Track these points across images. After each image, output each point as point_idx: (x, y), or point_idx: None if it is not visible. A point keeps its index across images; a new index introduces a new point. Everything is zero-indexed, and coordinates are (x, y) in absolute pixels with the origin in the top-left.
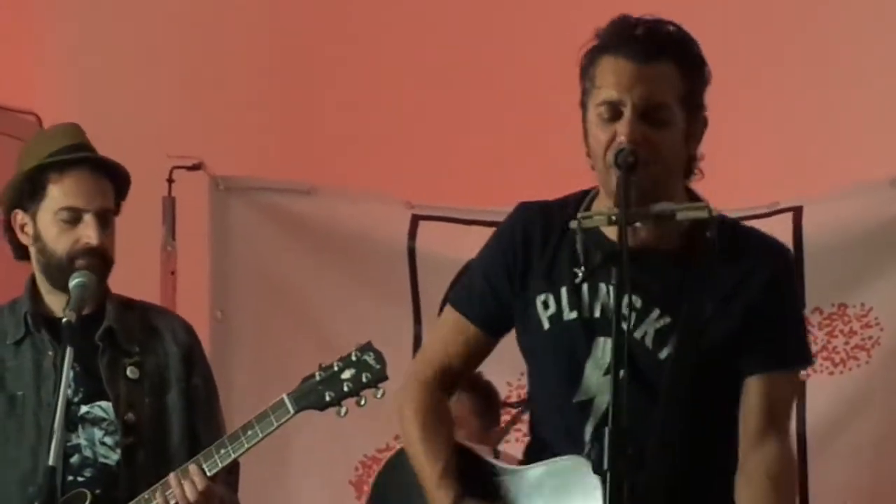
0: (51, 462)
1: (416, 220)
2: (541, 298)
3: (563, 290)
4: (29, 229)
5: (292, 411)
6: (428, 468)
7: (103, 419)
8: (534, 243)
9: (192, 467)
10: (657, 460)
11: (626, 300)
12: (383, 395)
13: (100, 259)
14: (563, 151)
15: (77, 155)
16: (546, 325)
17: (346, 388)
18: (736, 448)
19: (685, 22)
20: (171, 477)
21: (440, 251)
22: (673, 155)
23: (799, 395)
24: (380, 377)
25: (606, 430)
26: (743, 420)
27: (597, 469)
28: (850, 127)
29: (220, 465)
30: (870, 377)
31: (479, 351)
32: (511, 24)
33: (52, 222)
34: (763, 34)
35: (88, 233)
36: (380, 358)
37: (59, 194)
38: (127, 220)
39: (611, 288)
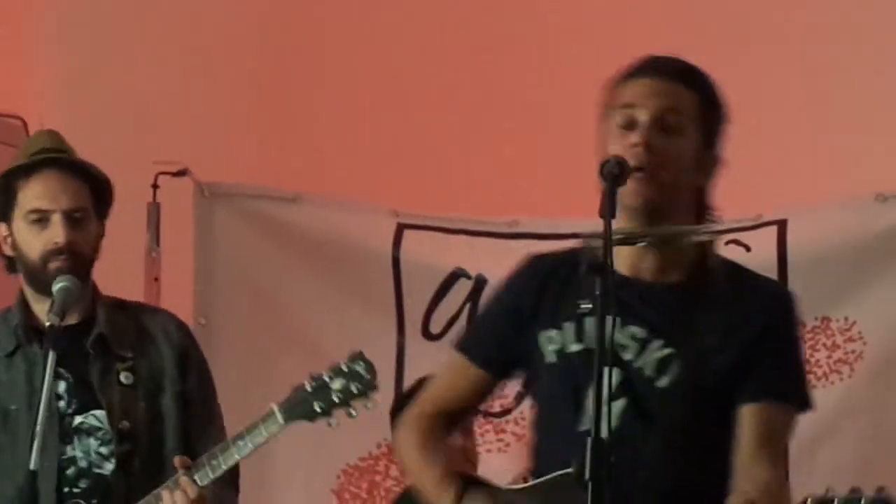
0: (32, 466)
1: (401, 229)
2: (546, 335)
3: (567, 325)
4: (9, 240)
5: (282, 422)
6: (428, 471)
7: (98, 428)
8: (544, 288)
9: (183, 479)
10: (650, 488)
11: (628, 329)
12: (374, 406)
13: (72, 258)
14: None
15: (39, 157)
16: (550, 359)
17: (336, 399)
18: (729, 480)
19: (671, 31)
20: (163, 490)
21: (425, 260)
22: (682, 167)
23: None
24: (370, 387)
25: (588, 439)
26: (736, 450)
27: (579, 479)
28: (836, 141)
29: (210, 477)
30: (853, 391)
31: (480, 393)
32: (498, 34)
33: (24, 228)
34: (747, 48)
35: (56, 232)
36: (370, 368)
37: (26, 198)
38: (111, 225)
39: (618, 319)
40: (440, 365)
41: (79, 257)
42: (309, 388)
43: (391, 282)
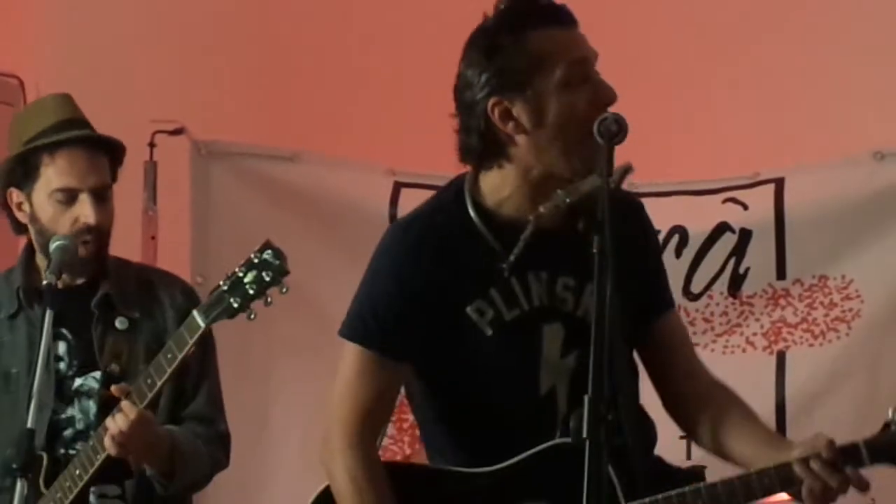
0: (29, 424)
1: (397, 188)
2: (472, 307)
3: (493, 292)
4: (25, 208)
5: (202, 324)
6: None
7: (97, 390)
8: (434, 259)
9: (124, 403)
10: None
11: (560, 282)
12: (286, 290)
13: (99, 238)
14: None
15: (68, 134)
16: (489, 332)
17: (250, 291)
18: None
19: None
20: (107, 420)
21: None
22: None
23: (779, 365)
24: (281, 272)
25: (585, 397)
26: (668, 357)
27: (576, 439)
28: (833, 99)
29: (149, 395)
30: (850, 349)
31: (399, 385)
32: None
33: (47, 203)
34: (745, 5)
35: (86, 212)
36: (278, 254)
37: (52, 175)
38: None
39: (542, 274)
40: (344, 366)
41: (104, 236)
42: (225, 287)
43: None
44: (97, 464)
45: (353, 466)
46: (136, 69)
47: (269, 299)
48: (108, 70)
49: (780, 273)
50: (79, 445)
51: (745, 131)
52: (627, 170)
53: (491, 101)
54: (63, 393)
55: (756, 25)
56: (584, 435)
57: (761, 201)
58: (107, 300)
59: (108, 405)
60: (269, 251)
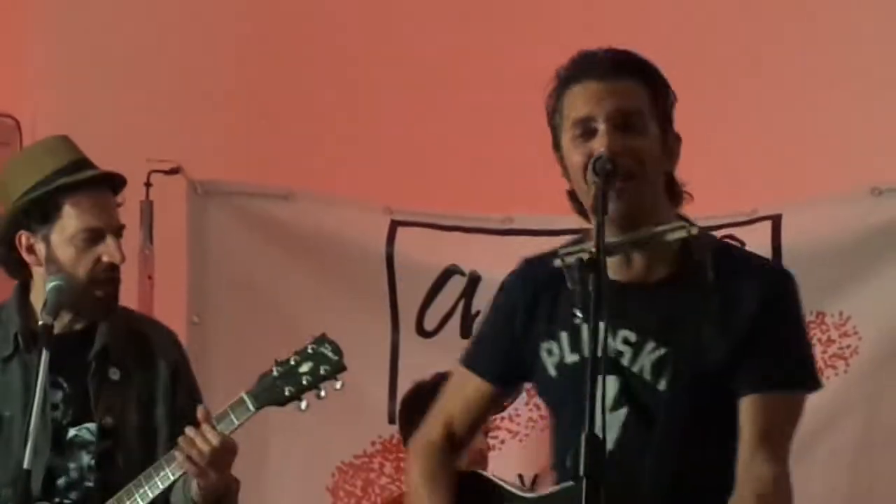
0: (25, 465)
1: (394, 226)
2: (544, 347)
3: (564, 335)
4: (39, 250)
5: (253, 409)
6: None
7: (91, 442)
8: (536, 294)
9: (204, 426)
10: (658, 492)
11: (620, 334)
12: (342, 386)
13: (117, 276)
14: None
15: (92, 173)
16: (553, 373)
17: (304, 382)
18: (730, 475)
19: (666, 29)
20: (182, 438)
21: (419, 257)
22: (654, 165)
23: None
24: (338, 368)
25: (582, 435)
26: (739, 443)
27: (575, 476)
28: (830, 135)
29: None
30: (848, 386)
31: (489, 406)
32: (492, 30)
33: (68, 244)
34: (743, 41)
35: (111, 251)
36: (336, 349)
37: (76, 215)
38: None
39: (609, 325)
40: (447, 383)
41: (119, 276)
42: (276, 374)
43: (385, 279)
44: (162, 487)
45: (422, 470)
46: (132, 109)
47: (322, 393)
48: (105, 110)
49: None
50: (73, 494)
51: (743, 168)
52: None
53: (556, 157)
54: (58, 441)
55: (753, 62)
56: (582, 473)
57: (759, 238)
58: (104, 352)
59: (105, 458)
60: (328, 345)
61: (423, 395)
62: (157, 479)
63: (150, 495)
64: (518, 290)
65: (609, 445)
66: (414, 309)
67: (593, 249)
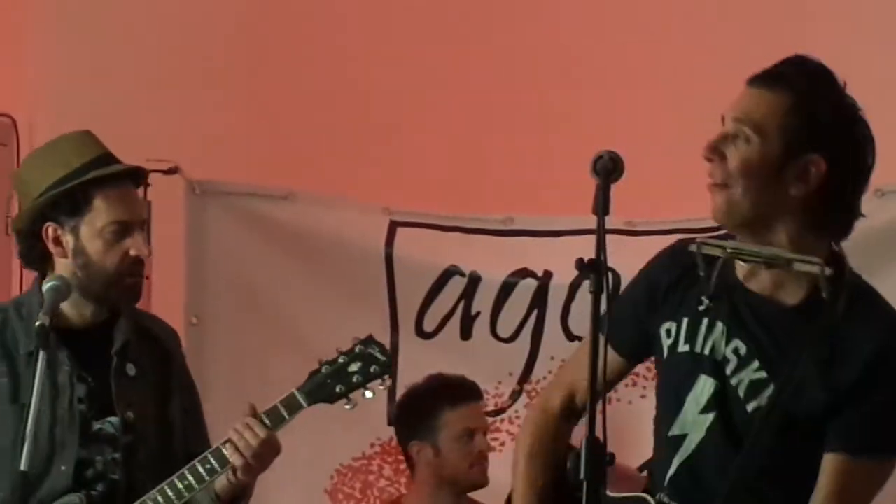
0: (22, 467)
1: (393, 227)
2: (665, 326)
3: (685, 321)
4: (67, 242)
5: (305, 405)
6: (521, 487)
7: (112, 435)
8: (679, 277)
9: (250, 420)
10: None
11: (733, 343)
12: (385, 387)
13: (143, 269)
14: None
15: (121, 167)
16: (665, 354)
17: (355, 380)
18: None
19: (665, 28)
20: (232, 431)
21: (418, 257)
22: (751, 176)
23: None
24: (386, 368)
25: (584, 439)
26: (814, 496)
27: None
28: None
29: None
30: None
31: (615, 377)
32: (491, 31)
33: (97, 237)
34: (748, 41)
35: (139, 245)
36: (384, 350)
37: (106, 208)
38: None
39: (725, 327)
40: (579, 345)
41: (143, 270)
42: (325, 372)
43: (384, 280)
44: (208, 480)
45: (528, 436)
46: (130, 108)
47: (370, 392)
48: (102, 109)
49: None
50: (99, 486)
51: None
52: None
53: None
54: (83, 434)
55: (755, 62)
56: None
57: None
58: (124, 347)
59: (130, 451)
60: (376, 346)
61: (417, 398)
62: (202, 470)
63: (196, 487)
64: (665, 268)
65: (691, 446)
66: (413, 310)
67: (730, 249)
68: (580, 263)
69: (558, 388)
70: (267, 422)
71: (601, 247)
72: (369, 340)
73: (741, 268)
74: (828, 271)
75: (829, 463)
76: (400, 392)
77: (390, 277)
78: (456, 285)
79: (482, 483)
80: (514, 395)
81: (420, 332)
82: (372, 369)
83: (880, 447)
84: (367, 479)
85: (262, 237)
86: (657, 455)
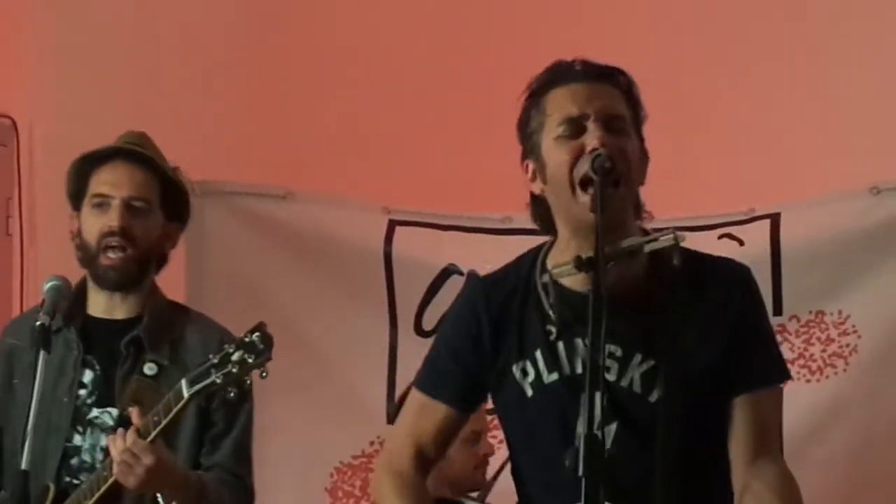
0: (23, 466)
1: (392, 225)
2: (518, 367)
3: (538, 354)
4: (76, 225)
5: (186, 394)
6: None
7: (111, 427)
8: (498, 313)
9: (127, 432)
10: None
11: (605, 349)
12: (266, 375)
13: (127, 243)
14: None
15: (110, 146)
16: (529, 392)
17: (233, 370)
18: (728, 476)
19: (666, 26)
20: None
21: (417, 256)
22: (636, 171)
23: None
24: (264, 358)
25: (582, 436)
26: (733, 444)
27: (573, 476)
28: (829, 133)
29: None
30: (847, 385)
31: (452, 430)
32: (490, 29)
33: (87, 213)
34: (742, 40)
35: (111, 215)
36: (265, 338)
37: (94, 184)
38: None
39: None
40: (405, 407)
41: (133, 244)
42: (215, 360)
43: (383, 279)
44: (102, 488)
45: (393, 480)
46: (130, 108)
47: (248, 381)
48: (102, 109)
49: (777, 309)
50: (83, 475)
51: (741, 166)
52: (678, 239)
53: (524, 165)
54: (78, 420)
55: (750, 61)
56: (581, 473)
57: (757, 237)
58: (136, 342)
59: None
60: (258, 334)
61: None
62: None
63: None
64: (478, 311)
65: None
66: (412, 308)
67: (583, 256)
68: (578, 262)
69: (404, 445)
70: (150, 427)
71: (599, 245)
72: (256, 328)
73: (580, 282)
74: (681, 239)
75: (741, 405)
76: (399, 390)
77: (389, 276)
78: (455, 284)
79: (483, 484)
80: None
81: (419, 331)
82: (249, 357)
83: (775, 375)
84: (367, 476)
85: (262, 236)
86: (540, 483)
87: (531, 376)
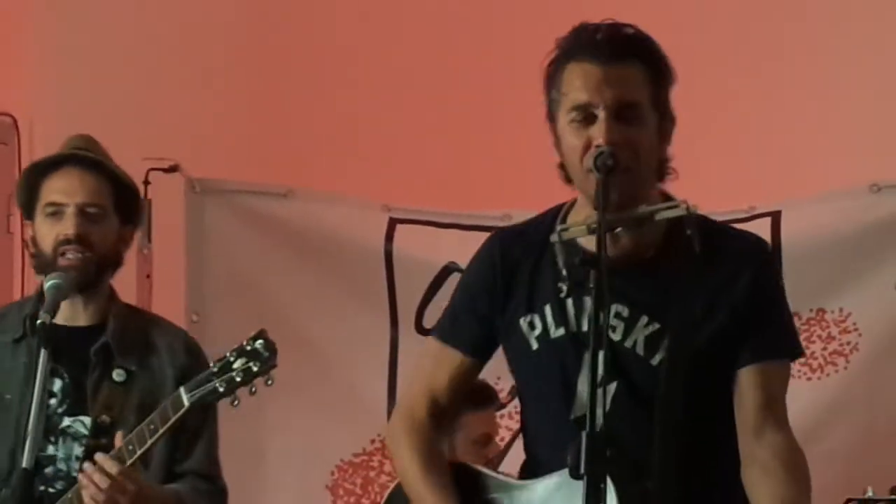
0: (24, 465)
1: (393, 223)
2: (525, 320)
3: (547, 308)
4: (28, 234)
5: (186, 404)
6: (429, 492)
7: (84, 435)
8: (513, 266)
9: (101, 457)
10: (661, 468)
11: (612, 309)
12: (271, 382)
13: (84, 250)
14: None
15: (59, 154)
16: (535, 346)
17: (237, 378)
18: (735, 445)
19: (667, 25)
20: (81, 475)
21: (417, 254)
22: (651, 155)
23: None
24: (269, 366)
25: (583, 433)
26: (740, 413)
27: (574, 473)
28: (830, 132)
29: (128, 461)
30: (848, 383)
31: (465, 378)
32: (488, 28)
33: (40, 221)
34: (743, 38)
35: (66, 223)
36: (269, 346)
37: (45, 193)
38: None
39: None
40: (420, 354)
41: (90, 250)
42: (214, 369)
43: (384, 277)
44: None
45: (414, 449)
46: (130, 107)
47: (253, 388)
48: (102, 108)
49: None
50: (59, 484)
51: (742, 164)
52: (690, 210)
53: (550, 126)
54: (50, 430)
55: (752, 59)
56: (582, 471)
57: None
58: (105, 349)
59: (94, 453)
60: (261, 341)
61: None
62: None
63: None
64: (495, 263)
65: (598, 421)
66: (413, 306)
67: (592, 225)
68: (590, 227)
69: (419, 395)
70: (127, 455)
71: (601, 242)
72: (258, 336)
73: (590, 240)
74: (693, 209)
75: (749, 375)
76: (400, 388)
77: (390, 274)
78: (455, 281)
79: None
80: (514, 391)
81: (420, 329)
82: (254, 366)
83: (786, 350)
84: (368, 474)
85: (262, 234)
86: (546, 443)
87: (538, 330)
